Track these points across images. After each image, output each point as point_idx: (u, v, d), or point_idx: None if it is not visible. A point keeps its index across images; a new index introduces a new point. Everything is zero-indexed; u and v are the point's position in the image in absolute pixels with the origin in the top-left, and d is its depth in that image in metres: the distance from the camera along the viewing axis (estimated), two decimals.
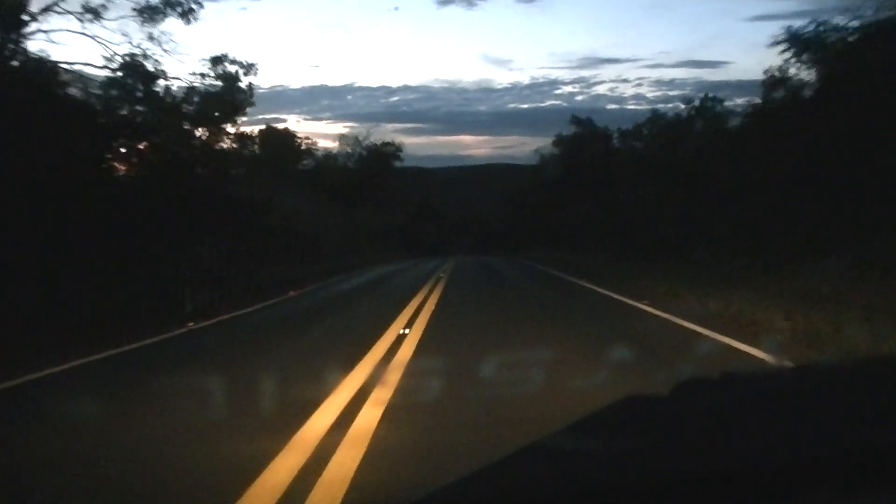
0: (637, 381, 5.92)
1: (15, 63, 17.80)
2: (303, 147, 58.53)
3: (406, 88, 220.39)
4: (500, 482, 0.95)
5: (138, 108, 22.92)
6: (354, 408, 4.91)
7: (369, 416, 4.73)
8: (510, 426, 4.36)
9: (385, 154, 69.60)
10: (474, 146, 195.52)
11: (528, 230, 56.44)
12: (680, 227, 21.53)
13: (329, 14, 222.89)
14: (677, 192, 22.30)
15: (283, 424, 4.48)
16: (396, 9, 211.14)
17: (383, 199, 64.80)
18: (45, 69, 18.59)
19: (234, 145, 32.81)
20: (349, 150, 67.90)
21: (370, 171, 65.66)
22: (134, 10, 21.30)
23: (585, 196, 34.67)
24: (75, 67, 20.57)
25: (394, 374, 6.18)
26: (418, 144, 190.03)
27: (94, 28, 20.87)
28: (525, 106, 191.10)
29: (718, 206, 19.80)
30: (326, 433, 4.33)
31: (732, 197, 19.07)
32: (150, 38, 21.92)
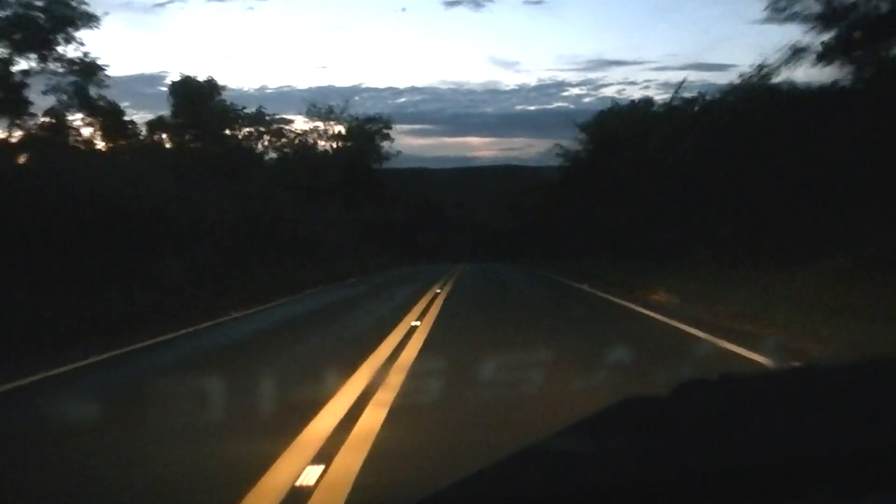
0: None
1: None
2: (273, 127, 44.17)
3: (413, 90, 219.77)
4: (501, 483, 0.95)
5: None
6: None
7: None
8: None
9: (370, 133, 53.84)
10: (481, 148, 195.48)
11: (537, 234, 51.68)
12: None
13: (336, 15, 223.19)
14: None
15: None
16: (404, 10, 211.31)
17: (372, 193, 52.05)
18: None
19: (74, 77, 20.95)
20: (320, 124, 51.36)
21: (352, 155, 51.35)
22: None
23: (602, 198, 31.11)
24: None
25: None
26: (424, 145, 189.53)
27: None
28: (532, 108, 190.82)
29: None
30: None
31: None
32: None
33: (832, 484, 0.91)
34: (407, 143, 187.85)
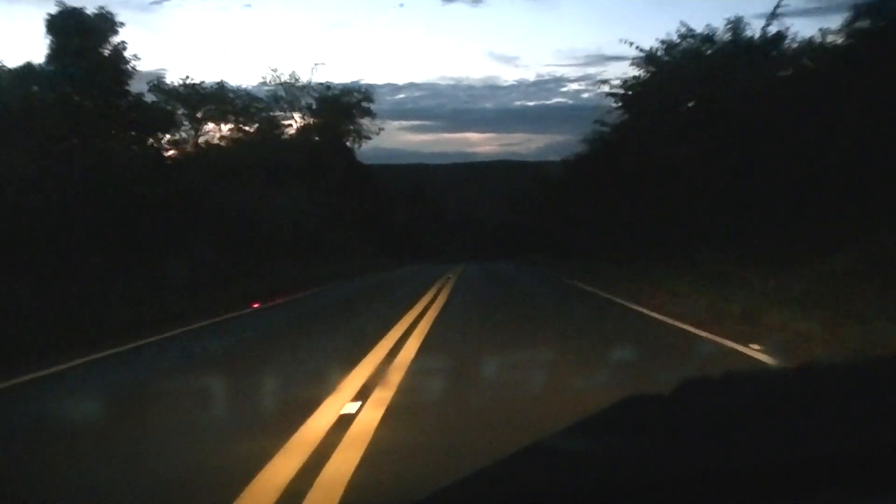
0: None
1: None
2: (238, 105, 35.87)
3: (412, 86, 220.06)
4: (501, 482, 0.95)
5: None
6: None
7: None
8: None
9: (346, 107, 43.50)
10: (480, 143, 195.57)
11: (541, 231, 49.11)
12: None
13: (334, 12, 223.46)
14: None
15: None
16: (401, 5, 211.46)
17: (355, 183, 43.12)
18: None
19: None
20: (282, 93, 41.44)
21: (322, 132, 41.98)
22: None
23: (616, 191, 27.98)
24: None
25: None
26: (424, 142, 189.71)
27: None
28: (531, 103, 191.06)
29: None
30: None
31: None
32: None
33: (833, 484, 0.91)
34: (406, 139, 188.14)
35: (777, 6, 20.99)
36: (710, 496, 0.90)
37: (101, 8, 24.59)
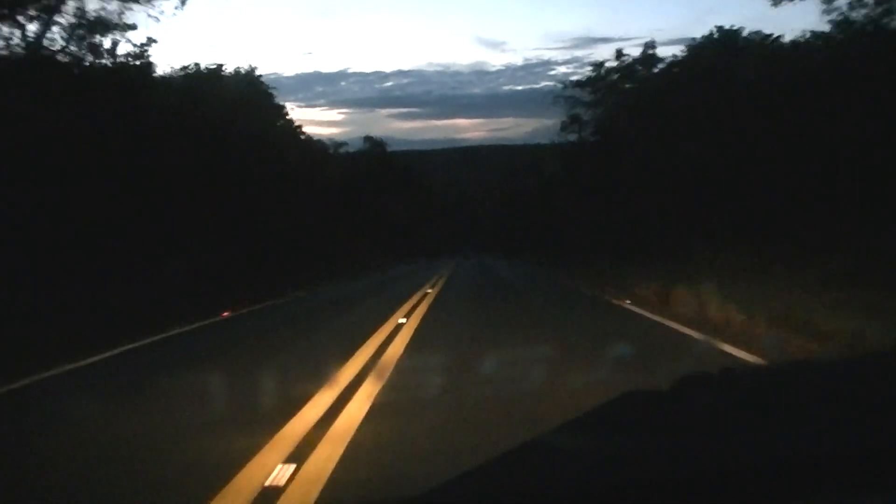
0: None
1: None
2: None
3: (399, 73, 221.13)
4: (500, 479, 0.94)
5: None
6: None
7: None
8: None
9: None
10: (469, 129, 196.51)
11: (539, 226, 46.05)
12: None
13: (320, 1, 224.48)
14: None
15: None
16: None
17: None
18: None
19: None
20: None
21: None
22: None
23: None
24: None
25: None
26: (413, 129, 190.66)
27: None
28: (519, 87, 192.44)
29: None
30: None
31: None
32: None
33: (832, 484, 0.90)
34: (395, 126, 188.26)
35: None
36: (709, 495, 0.89)
37: None
